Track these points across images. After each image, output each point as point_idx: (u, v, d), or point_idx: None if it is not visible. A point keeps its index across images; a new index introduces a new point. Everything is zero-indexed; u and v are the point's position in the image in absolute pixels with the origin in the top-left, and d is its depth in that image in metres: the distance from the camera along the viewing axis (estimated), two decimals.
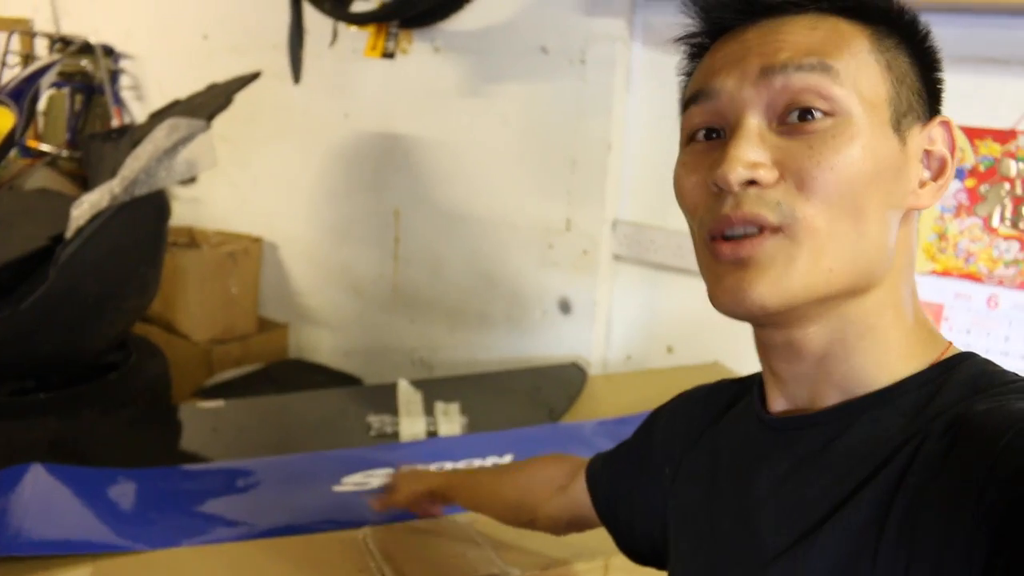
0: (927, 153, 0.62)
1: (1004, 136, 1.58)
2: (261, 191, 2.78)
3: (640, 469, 0.84)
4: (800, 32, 0.59)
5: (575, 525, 0.95)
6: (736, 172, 0.56)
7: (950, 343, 0.62)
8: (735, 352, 1.88)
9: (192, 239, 2.78)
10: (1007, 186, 1.60)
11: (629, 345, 2.14)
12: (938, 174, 0.62)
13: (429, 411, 1.73)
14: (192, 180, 1.78)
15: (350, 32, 2.32)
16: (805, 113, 0.57)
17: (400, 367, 2.45)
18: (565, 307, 2.15)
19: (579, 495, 0.91)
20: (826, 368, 0.61)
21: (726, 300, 0.58)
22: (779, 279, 0.56)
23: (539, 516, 0.98)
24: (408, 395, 1.79)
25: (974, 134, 1.60)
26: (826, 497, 0.57)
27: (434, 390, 1.82)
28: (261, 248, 2.76)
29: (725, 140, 0.60)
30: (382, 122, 2.43)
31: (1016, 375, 0.57)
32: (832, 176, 0.56)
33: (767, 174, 0.56)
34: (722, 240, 0.58)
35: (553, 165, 2.10)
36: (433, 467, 1.42)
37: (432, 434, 1.66)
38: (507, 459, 1.52)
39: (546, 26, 2.05)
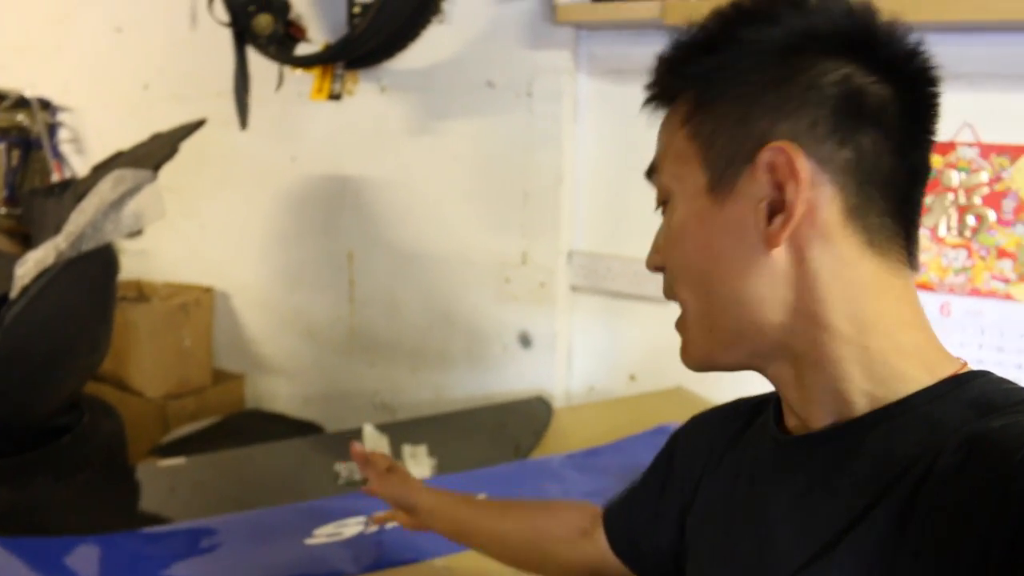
0: (776, 185, 0.59)
1: (944, 148, 1.63)
2: (210, 240, 2.73)
3: (663, 493, 0.83)
4: (663, 127, 0.68)
5: None
6: (649, 262, 0.70)
7: (965, 362, 0.62)
8: (697, 375, 1.88)
9: (141, 292, 2.71)
10: (951, 196, 1.64)
11: (591, 375, 2.14)
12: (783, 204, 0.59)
13: (397, 454, 1.70)
14: (139, 232, 1.73)
15: (295, 75, 2.30)
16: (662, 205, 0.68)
17: (362, 411, 2.41)
18: (525, 341, 2.14)
19: (603, 542, 0.89)
20: (806, 395, 0.63)
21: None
22: (688, 346, 0.67)
23: (554, 561, 0.94)
24: (374, 440, 1.76)
25: None
26: (841, 514, 0.57)
27: (400, 433, 1.80)
28: (213, 298, 2.70)
29: None
30: (331, 164, 2.42)
31: None
32: (676, 254, 0.65)
33: (660, 261, 0.68)
34: None
35: (505, 198, 2.10)
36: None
37: None
38: (481, 498, 1.49)
39: (492, 61, 2.07)
